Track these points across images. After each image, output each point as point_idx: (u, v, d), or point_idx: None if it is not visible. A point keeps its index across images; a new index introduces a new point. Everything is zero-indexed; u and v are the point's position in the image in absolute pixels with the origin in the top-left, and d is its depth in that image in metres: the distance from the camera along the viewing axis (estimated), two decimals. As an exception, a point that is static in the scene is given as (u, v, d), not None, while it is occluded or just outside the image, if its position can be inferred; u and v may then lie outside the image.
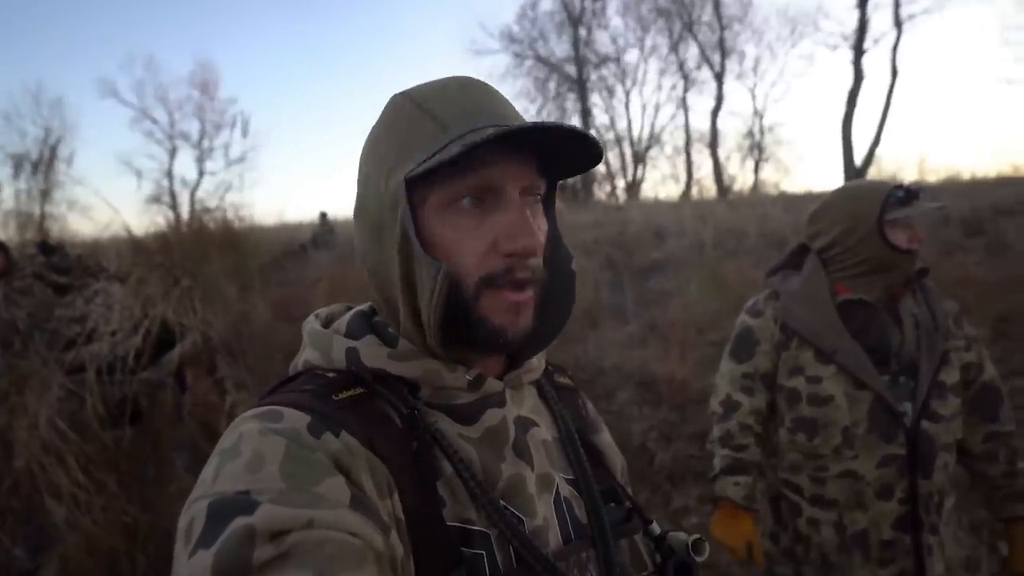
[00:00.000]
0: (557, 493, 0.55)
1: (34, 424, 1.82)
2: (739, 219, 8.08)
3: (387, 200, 0.51)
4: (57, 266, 2.67)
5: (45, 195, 10.03)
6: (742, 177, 20.49)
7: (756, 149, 20.13)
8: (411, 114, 0.52)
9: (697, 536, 0.60)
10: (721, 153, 20.29)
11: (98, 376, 2.02)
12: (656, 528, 0.61)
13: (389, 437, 0.48)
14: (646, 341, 4.59)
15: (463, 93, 0.53)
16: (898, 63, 13.78)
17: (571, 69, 20.82)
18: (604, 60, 20.92)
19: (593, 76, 21.13)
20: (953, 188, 9.35)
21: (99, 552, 1.90)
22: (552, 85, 21.30)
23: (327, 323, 0.58)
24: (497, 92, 0.55)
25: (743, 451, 1.35)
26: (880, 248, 1.25)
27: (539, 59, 20.92)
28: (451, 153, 0.46)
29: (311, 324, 0.57)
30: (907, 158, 21.59)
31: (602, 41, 22.84)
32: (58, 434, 1.84)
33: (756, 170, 20.11)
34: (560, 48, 21.22)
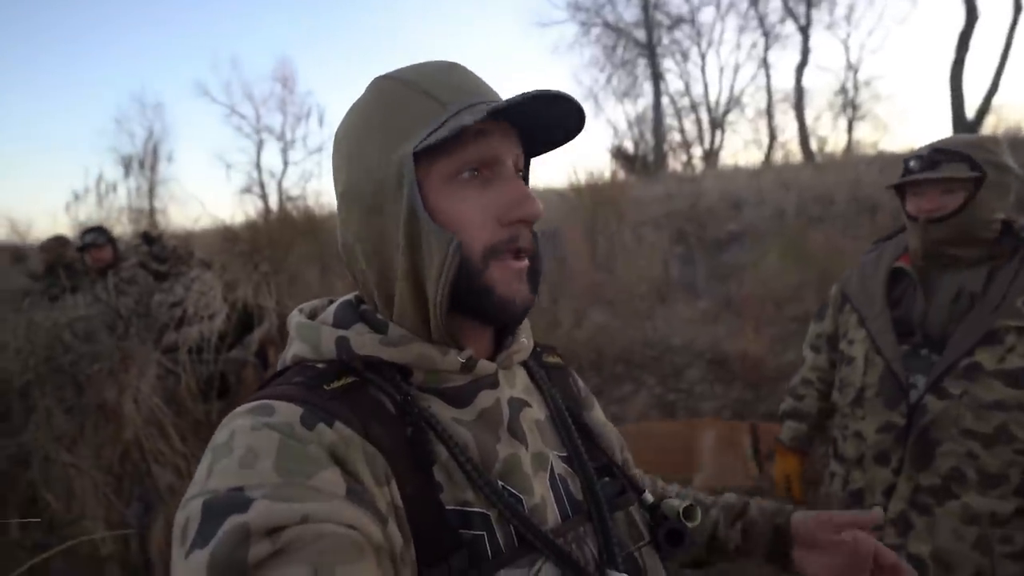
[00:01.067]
0: (552, 471, 0.56)
1: (137, 398, 2.04)
2: (827, 184, 7.48)
3: (388, 178, 0.51)
4: (157, 255, 2.94)
5: (152, 191, 11.05)
6: (834, 138, 18.90)
7: (850, 107, 18.46)
8: (406, 94, 0.52)
9: (688, 503, 0.60)
10: (809, 113, 18.83)
11: (189, 355, 2.23)
12: (649, 497, 0.61)
13: (383, 424, 0.49)
14: (719, 317, 4.40)
15: (450, 73, 0.53)
16: (1022, -3, 12.00)
17: (641, 34, 19.91)
18: (677, 21, 19.85)
19: (665, 39, 20.12)
20: (1089, 137, 8.13)
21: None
22: (620, 51, 20.52)
23: (311, 316, 0.59)
24: (473, 73, 0.56)
25: (800, 400, 1.52)
26: (905, 219, 1.28)
27: (607, 25, 20.17)
28: (467, 120, 0.47)
29: (296, 318, 0.57)
30: (1033, 106, 18.93)
31: (674, 1, 21.72)
32: (157, 408, 2.06)
33: (850, 130, 18.47)
34: (629, 12, 20.35)
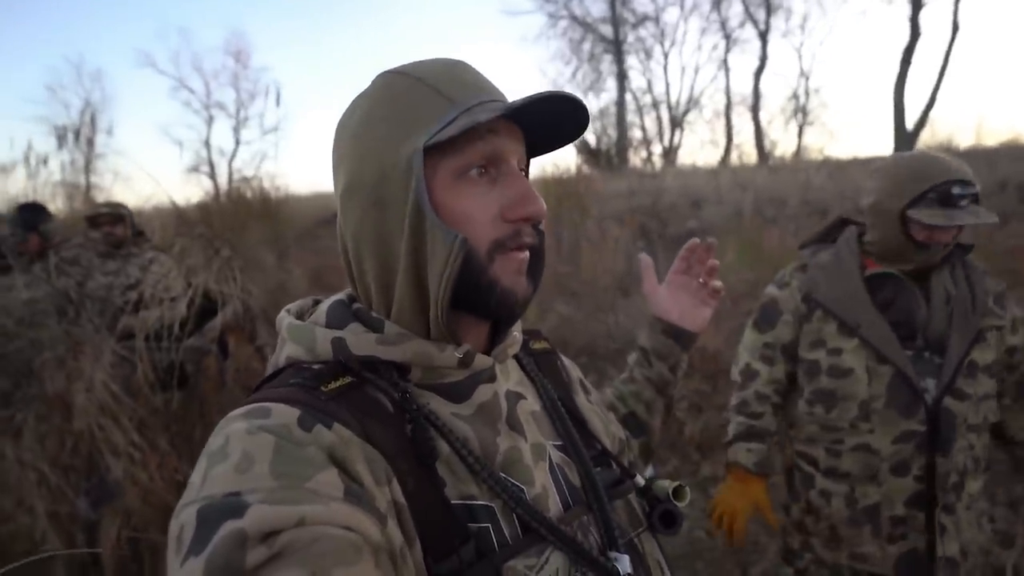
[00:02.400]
0: (550, 460, 0.57)
1: (90, 387, 1.93)
2: (780, 186, 7.79)
3: (394, 172, 0.50)
4: (138, 231, 2.74)
5: (89, 166, 10.35)
6: (785, 142, 19.68)
7: (800, 112, 19.25)
8: (413, 89, 0.52)
9: (678, 483, 0.63)
10: (763, 117, 19.52)
11: (147, 343, 2.12)
12: (640, 480, 0.63)
13: (383, 424, 0.48)
14: (679, 312, 4.52)
15: (456, 71, 0.54)
16: (959, 17, 12.78)
17: (607, 30, 20.08)
18: (642, 19, 20.13)
19: (630, 37, 20.38)
20: (1012, 152, 8.77)
21: (156, 506, 2.03)
22: (587, 47, 20.65)
23: (299, 317, 0.58)
24: (478, 70, 0.56)
25: (758, 419, 1.37)
26: (895, 236, 1.20)
27: (574, 19, 20.23)
28: (482, 117, 0.47)
29: (287, 319, 0.56)
30: (964, 121, 20.27)
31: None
32: (112, 397, 1.95)
33: (800, 134, 19.28)
34: (596, 7, 20.52)
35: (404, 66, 0.55)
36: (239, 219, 6.84)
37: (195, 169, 19.47)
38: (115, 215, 2.65)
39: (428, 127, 0.50)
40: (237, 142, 20.11)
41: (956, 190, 1.14)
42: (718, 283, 0.83)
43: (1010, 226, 4.89)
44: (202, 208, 6.89)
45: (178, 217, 3.02)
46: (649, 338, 0.83)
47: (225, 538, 0.36)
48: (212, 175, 19.09)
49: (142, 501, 2.00)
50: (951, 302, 1.24)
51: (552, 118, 0.53)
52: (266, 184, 8.12)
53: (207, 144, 19.89)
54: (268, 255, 5.98)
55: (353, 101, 0.56)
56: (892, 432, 1.20)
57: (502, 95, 0.54)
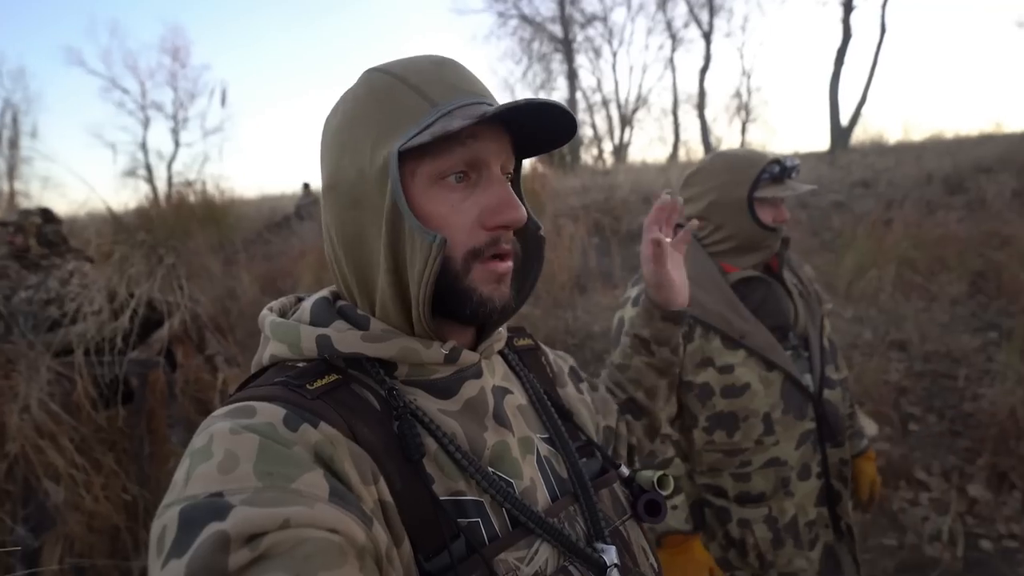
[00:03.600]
0: (538, 453, 0.58)
1: (25, 408, 1.81)
2: (725, 181, 8.03)
3: (372, 174, 0.50)
4: (48, 239, 2.58)
5: (12, 171, 9.66)
6: (729, 138, 20.38)
7: (743, 110, 19.97)
8: (395, 89, 0.51)
9: (662, 472, 0.64)
10: (709, 114, 20.13)
11: (87, 357, 2.01)
12: (624, 471, 0.65)
13: (369, 422, 0.48)
14: (634, 306, 4.63)
15: (441, 70, 0.53)
16: (887, 20, 13.55)
17: (557, 29, 20.25)
18: (591, 19, 20.38)
19: (579, 36, 20.62)
20: (937, 146, 9.38)
21: (101, 529, 1.92)
22: (537, 46, 20.76)
23: (281, 315, 0.58)
24: (468, 68, 0.55)
25: (667, 466, 1.21)
26: (747, 224, 1.20)
27: (524, 18, 20.30)
28: (455, 126, 0.46)
29: (269, 317, 0.56)
30: (893, 117, 21.54)
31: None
32: (50, 417, 1.84)
33: (743, 131, 20.00)
34: (545, 7, 20.65)
35: (389, 63, 0.54)
36: (182, 225, 6.54)
37: (132, 173, 18.51)
38: (17, 224, 2.50)
39: (406, 129, 0.49)
40: (176, 144, 19.25)
41: (787, 163, 1.19)
42: (695, 222, 0.81)
43: (936, 215, 5.23)
44: (141, 214, 6.57)
45: (115, 224, 2.87)
46: (647, 326, 0.79)
47: (207, 540, 0.36)
48: (150, 179, 18.21)
49: (86, 526, 1.90)
50: (802, 295, 1.30)
51: (538, 121, 0.52)
52: (210, 187, 7.79)
53: (144, 147, 18.94)
54: (215, 262, 5.75)
55: (338, 99, 0.55)
56: (793, 437, 1.18)
57: (489, 95, 0.53)
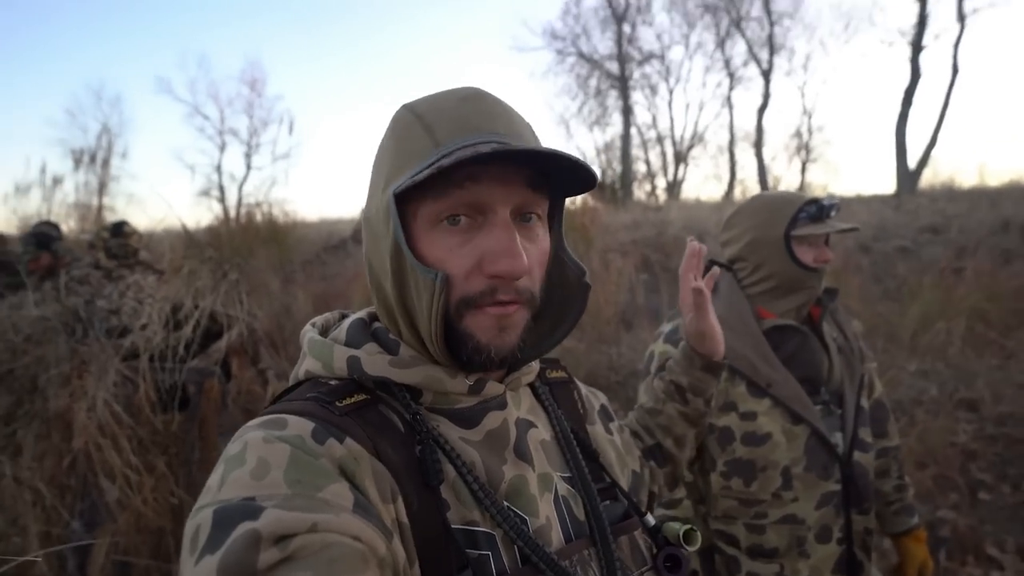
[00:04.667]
0: (556, 492, 0.56)
1: (92, 407, 1.93)
2: (782, 222, 7.80)
3: (381, 212, 0.52)
4: (114, 251, 2.81)
5: (102, 188, 10.53)
6: (788, 178, 19.87)
7: (803, 149, 19.50)
8: (410, 127, 0.52)
9: (689, 526, 0.61)
10: (766, 153, 19.77)
11: (151, 363, 2.13)
12: (651, 520, 0.62)
13: (392, 443, 0.49)
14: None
15: (462, 106, 0.51)
16: (959, 60, 13.04)
17: (613, 66, 20.55)
18: (648, 57, 20.61)
19: (636, 73, 20.84)
20: (1014, 192, 8.83)
21: (147, 530, 2.01)
22: (594, 82, 21.09)
23: (323, 332, 0.60)
24: (499, 104, 0.53)
25: (675, 507, 1.21)
26: (786, 264, 1.16)
27: (581, 56, 20.73)
28: (428, 173, 0.46)
29: (309, 334, 0.58)
30: (965, 161, 20.44)
31: (646, 38, 22.65)
32: (113, 417, 1.96)
33: (803, 171, 19.49)
34: (603, 45, 21.04)
35: (419, 99, 0.55)
36: (247, 243, 6.90)
37: (206, 193, 19.78)
38: (93, 239, 2.76)
39: (410, 169, 0.50)
40: (248, 168, 20.47)
41: (824, 202, 1.17)
42: (716, 269, 0.82)
43: (1013, 266, 4.89)
44: (211, 231, 6.97)
45: (187, 239, 3.07)
46: (686, 374, 0.78)
47: (240, 538, 0.37)
48: (222, 199, 19.37)
49: (134, 526, 1.98)
50: (840, 351, 1.23)
51: (555, 165, 0.50)
52: (275, 210, 8.23)
53: (219, 169, 20.25)
54: (274, 280, 6.02)
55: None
56: (814, 497, 1.13)
57: (512, 131, 0.51)
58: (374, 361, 0.52)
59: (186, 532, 0.40)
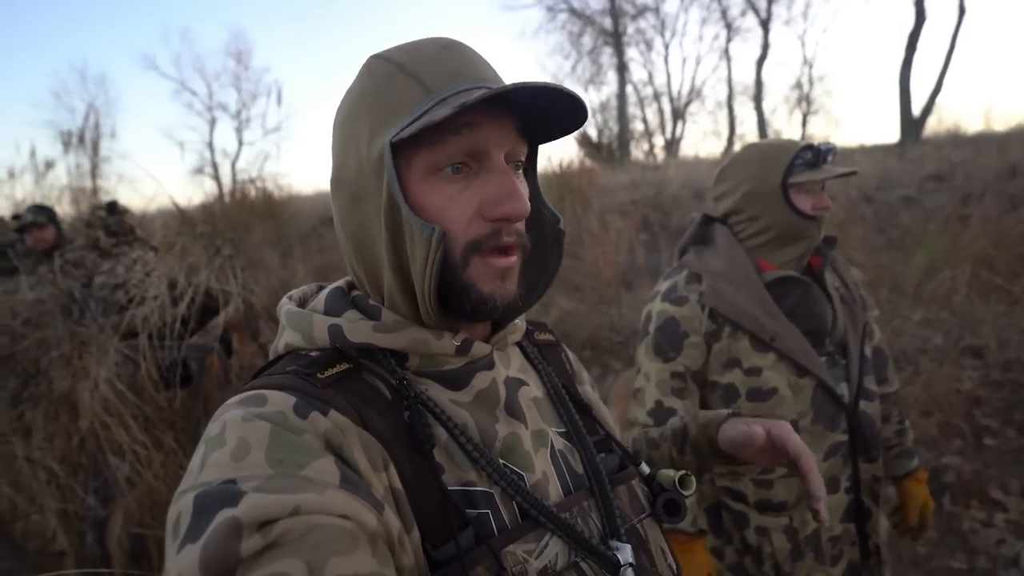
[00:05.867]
0: (552, 447, 0.56)
1: (95, 386, 1.94)
2: (784, 176, 7.70)
3: (369, 166, 0.49)
4: (113, 229, 2.78)
5: (95, 169, 10.40)
6: (789, 131, 19.55)
7: (804, 101, 19.07)
8: (392, 76, 0.50)
9: (684, 472, 0.61)
10: (766, 106, 19.33)
11: (150, 341, 2.13)
12: (645, 468, 0.62)
13: (380, 410, 0.48)
14: (683, 303, 4.51)
15: (444, 54, 0.50)
16: (965, 1, 12.58)
17: (607, 22, 19.93)
18: (642, 11, 19.94)
19: (630, 29, 20.20)
20: (1022, 137, 8.66)
21: (160, 504, 2.04)
22: (587, 39, 20.51)
23: (301, 303, 0.58)
24: (476, 52, 0.52)
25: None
26: (784, 213, 1.13)
27: (573, 12, 20.08)
28: (439, 115, 0.44)
29: (287, 306, 0.56)
30: (972, 106, 20.03)
31: (639, -10, 21.76)
32: (117, 395, 1.97)
33: (804, 123, 19.10)
34: (595, 0, 20.32)
35: (392, 49, 0.53)
36: (242, 219, 6.86)
37: (199, 171, 19.55)
38: (89, 218, 2.74)
39: (401, 118, 0.48)
40: (240, 143, 20.13)
41: (820, 147, 1.14)
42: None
43: (1020, 211, 4.82)
44: (205, 209, 6.93)
45: (180, 217, 3.03)
46: (701, 443, 0.70)
47: (220, 527, 0.36)
48: (215, 176, 19.13)
49: (147, 499, 2.02)
50: (843, 300, 1.22)
51: (548, 105, 0.50)
52: (269, 184, 8.14)
53: (210, 146, 19.93)
54: (272, 255, 6.00)
55: (347, 88, 0.55)
56: (822, 448, 1.13)
57: (496, 78, 0.51)
58: (356, 328, 0.51)
59: (168, 518, 0.39)
